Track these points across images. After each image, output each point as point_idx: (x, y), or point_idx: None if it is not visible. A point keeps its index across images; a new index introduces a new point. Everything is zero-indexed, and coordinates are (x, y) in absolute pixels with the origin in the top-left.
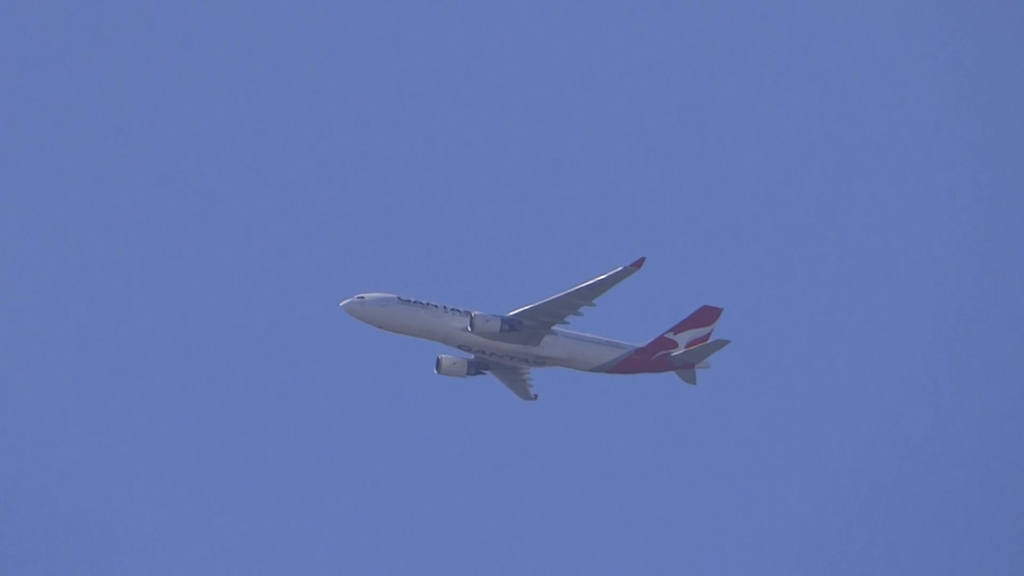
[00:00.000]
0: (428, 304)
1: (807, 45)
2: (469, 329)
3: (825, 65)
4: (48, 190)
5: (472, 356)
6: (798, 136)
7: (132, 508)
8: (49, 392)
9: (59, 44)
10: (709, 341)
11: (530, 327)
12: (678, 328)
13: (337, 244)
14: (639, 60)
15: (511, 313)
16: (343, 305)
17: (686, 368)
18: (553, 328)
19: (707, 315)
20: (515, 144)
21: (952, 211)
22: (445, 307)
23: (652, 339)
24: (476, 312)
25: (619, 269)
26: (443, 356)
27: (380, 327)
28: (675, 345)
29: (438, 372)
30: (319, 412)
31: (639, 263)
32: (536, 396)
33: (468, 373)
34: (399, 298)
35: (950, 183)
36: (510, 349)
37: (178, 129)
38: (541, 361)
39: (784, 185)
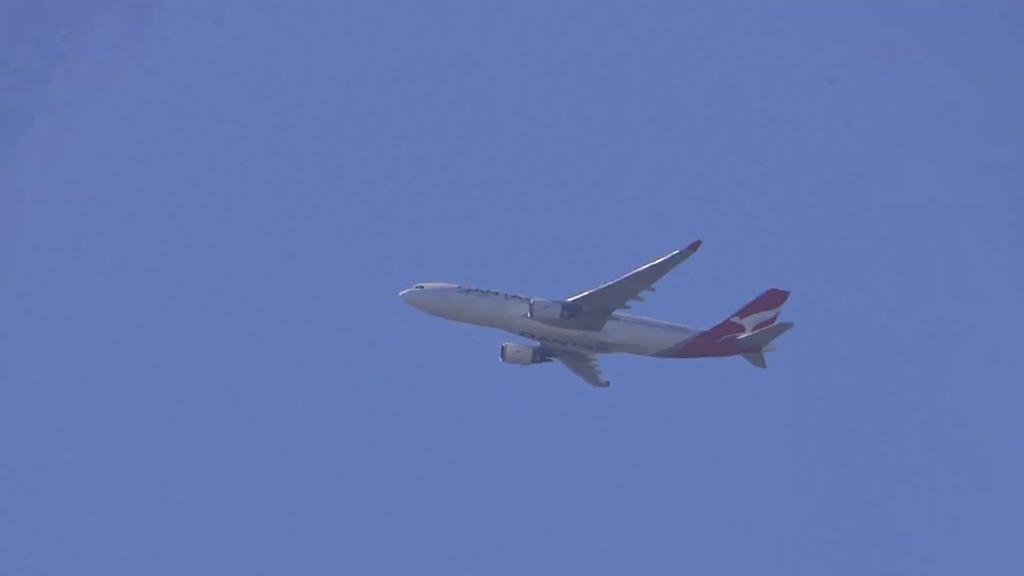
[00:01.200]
0: (488, 292)
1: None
2: (529, 316)
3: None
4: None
5: (537, 344)
6: (864, 111)
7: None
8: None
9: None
10: (775, 324)
11: (591, 313)
12: (744, 312)
13: (395, 236)
14: (694, 34)
15: (571, 299)
16: (403, 295)
17: (752, 351)
18: (615, 314)
19: (774, 298)
20: (572, 128)
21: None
22: (505, 294)
23: (717, 323)
24: (536, 299)
25: (676, 252)
26: (507, 344)
27: (440, 316)
28: (741, 329)
29: (503, 360)
30: (385, 403)
31: (695, 245)
32: (607, 383)
33: (533, 360)
34: (459, 287)
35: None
36: (572, 335)
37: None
38: (604, 347)
39: (851, 165)
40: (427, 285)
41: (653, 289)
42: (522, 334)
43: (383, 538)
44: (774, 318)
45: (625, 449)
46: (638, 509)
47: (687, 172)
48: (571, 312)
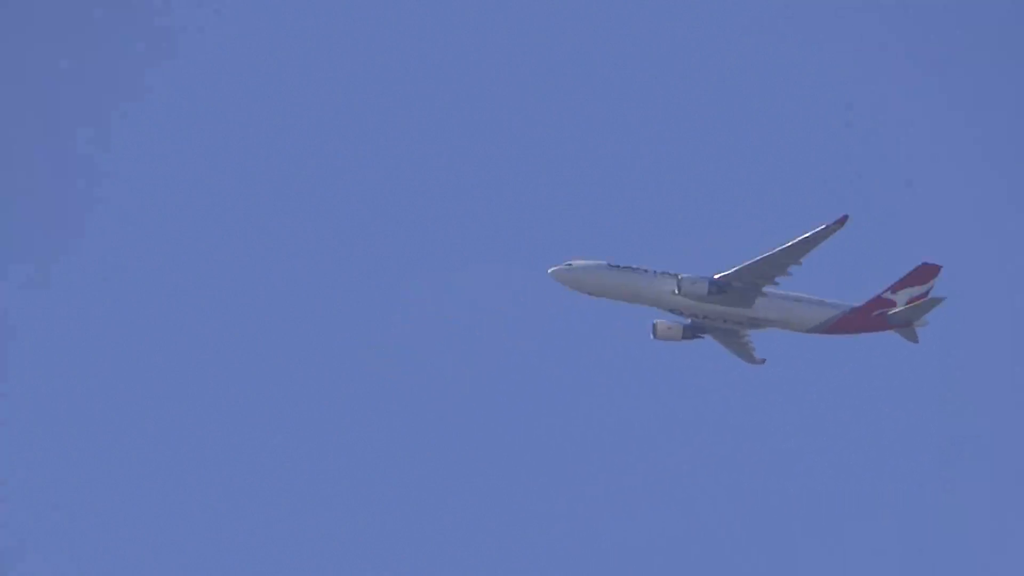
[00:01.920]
0: (637, 268)
1: None
2: (677, 292)
3: None
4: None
5: (688, 321)
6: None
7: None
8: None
9: None
10: (926, 299)
11: (739, 288)
12: (896, 287)
13: (539, 213)
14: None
15: (719, 275)
16: (552, 272)
17: (904, 326)
18: (765, 290)
19: (925, 273)
20: (711, 105)
21: None
22: (655, 271)
23: (869, 298)
24: (683, 275)
25: (822, 227)
26: (658, 321)
27: (590, 293)
28: (893, 304)
29: (654, 337)
30: (538, 382)
31: (842, 220)
32: (763, 360)
33: (684, 337)
34: (608, 263)
35: None
36: (722, 311)
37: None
38: (755, 323)
39: (997, 136)
40: (576, 262)
41: (800, 264)
42: (671, 311)
43: (527, 511)
44: (926, 293)
45: (778, 425)
46: (790, 484)
47: (827, 147)
48: (719, 288)
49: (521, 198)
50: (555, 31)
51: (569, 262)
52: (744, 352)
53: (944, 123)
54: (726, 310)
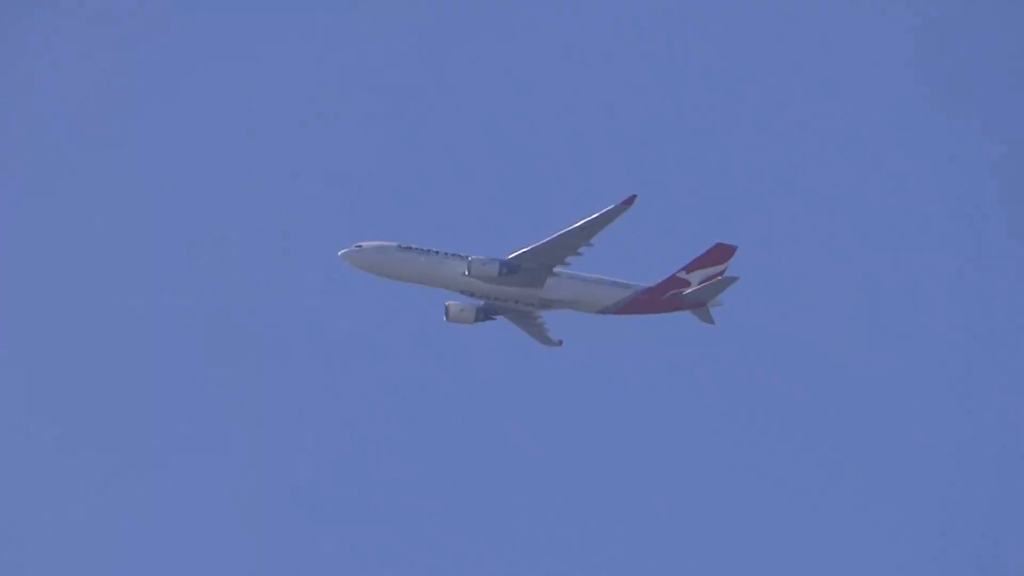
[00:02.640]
0: (428, 251)
1: None
2: (467, 273)
3: None
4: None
5: (481, 302)
6: (813, 69)
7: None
8: None
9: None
10: (719, 279)
11: (530, 269)
12: (691, 267)
13: (332, 194)
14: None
15: (510, 256)
16: (342, 254)
17: (698, 307)
18: (557, 271)
19: (721, 252)
20: (514, 86)
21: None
22: (446, 253)
23: (663, 278)
24: (473, 256)
25: (610, 208)
26: (450, 303)
27: (380, 275)
28: (687, 284)
29: (447, 320)
30: (328, 365)
31: (630, 201)
32: (560, 342)
33: (477, 319)
34: (399, 245)
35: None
36: (514, 292)
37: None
38: (548, 304)
39: (797, 119)
40: (365, 244)
41: (591, 244)
42: (463, 292)
43: (325, 505)
44: (721, 273)
45: (574, 407)
46: (587, 468)
47: (631, 128)
48: (510, 269)
49: (311, 183)
50: None
51: (359, 244)
52: (539, 334)
53: (749, 106)
54: (518, 291)
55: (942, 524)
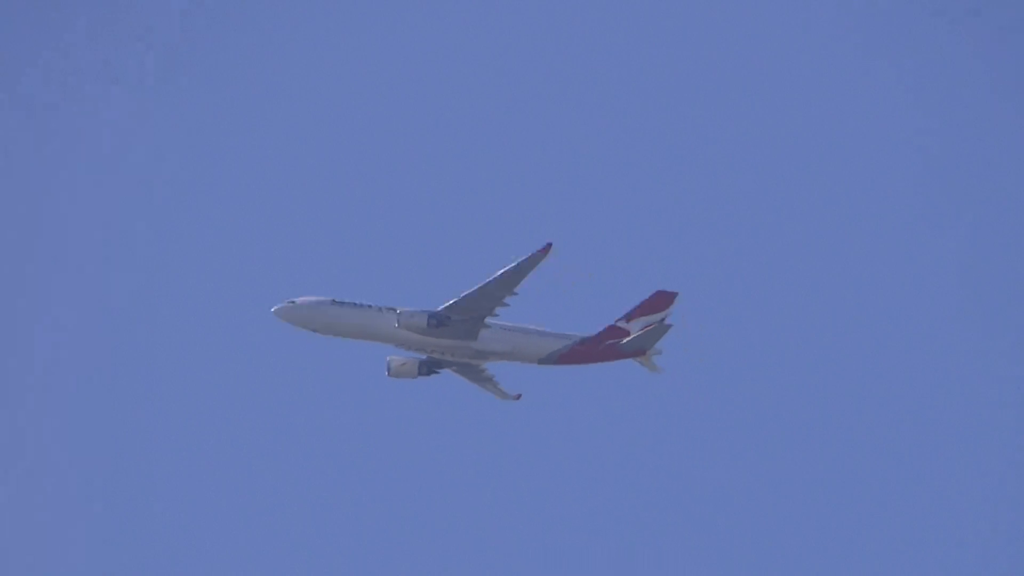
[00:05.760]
0: (361, 304)
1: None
2: (397, 326)
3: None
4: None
5: (424, 356)
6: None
7: None
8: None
9: None
10: (654, 326)
11: (460, 321)
12: (631, 315)
13: (264, 251)
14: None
15: (440, 308)
16: (275, 310)
17: (638, 355)
18: (491, 322)
19: (661, 300)
20: (442, 139)
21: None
22: (379, 307)
23: (602, 327)
24: (402, 308)
25: (528, 256)
26: (392, 357)
27: (315, 331)
28: (627, 333)
29: (388, 375)
30: (274, 424)
31: (546, 249)
32: (519, 396)
33: (421, 373)
34: (332, 300)
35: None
36: (447, 345)
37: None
38: (483, 355)
39: (738, 159)
40: (299, 300)
41: (515, 294)
42: (398, 345)
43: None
44: (662, 320)
45: (523, 460)
46: (535, 519)
47: (570, 174)
48: (439, 321)
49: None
50: None
51: (292, 300)
52: (492, 387)
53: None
54: (451, 343)
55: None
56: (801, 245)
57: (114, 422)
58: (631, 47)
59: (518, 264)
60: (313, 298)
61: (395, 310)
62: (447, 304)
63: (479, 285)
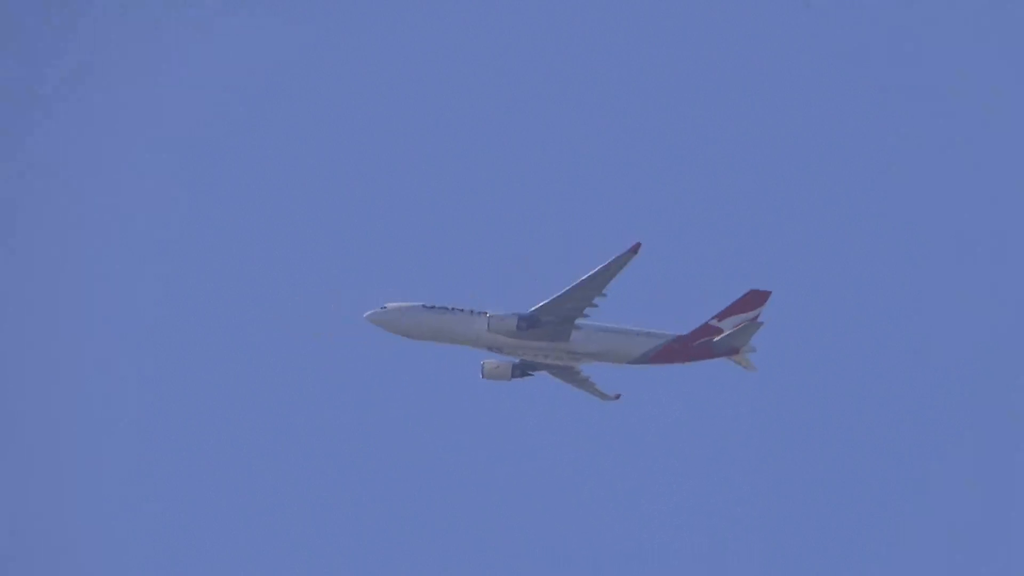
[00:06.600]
0: (453, 308)
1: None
2: (488, 329)
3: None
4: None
5: (517, 359)
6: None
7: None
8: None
9: None
10: (746, 324)
11: (550, 322)
12: (723, 314)
13: (356, 257)
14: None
15: (530, 310)
16: (368, 316)
17: (730, 353)
18: (582, 323)
19: (754, 299)
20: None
21: None
22: (471, 311)
23: (695, 327)
24: (492, 312)
25: (616, 257)
26: (486, 361)
27: (406, 335)
28: (719, 331)
29: (483, 377)
30: (371, 428)
31: (635, 248)
32: (618, 396)
33: (513, 376)
34: (423, 305)
35: None
36: (539, 347)
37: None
38: (576, 357)
39: (832, 158)
40: (391, 305)
41: (604, 295)
42: (489, 349)
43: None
44: (755, 319)
45: (620, 460)
46: (632, 520)
47: (661, 173)
48: (528, 323)
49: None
50: None
51: (384, 305)
52: (590, 388)
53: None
54: (543, 345)
55: None
56: (896, 244)
57: (214, 429)
58: (699, 47)
59: (605, 265)
60: (404, 303)
61: (485, 313)
62: (537, 306)
63: (566, 288)
